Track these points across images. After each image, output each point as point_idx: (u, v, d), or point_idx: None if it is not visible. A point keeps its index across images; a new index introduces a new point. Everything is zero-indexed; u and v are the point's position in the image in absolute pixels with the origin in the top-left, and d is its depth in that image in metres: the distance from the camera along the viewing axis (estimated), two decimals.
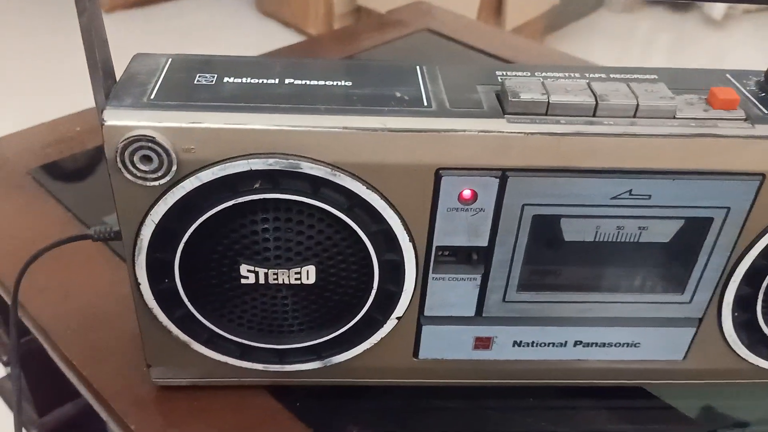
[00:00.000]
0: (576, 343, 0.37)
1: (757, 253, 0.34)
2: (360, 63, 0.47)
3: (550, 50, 1.20)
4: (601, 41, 1.91)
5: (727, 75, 0.35)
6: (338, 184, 0.30)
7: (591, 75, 0.34)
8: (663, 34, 2.02)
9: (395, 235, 0.32)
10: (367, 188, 0.31)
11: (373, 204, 0.31)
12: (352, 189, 0.31)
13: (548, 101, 0.30)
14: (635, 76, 0.34)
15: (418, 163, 0.30)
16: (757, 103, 0.33)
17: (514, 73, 0.33)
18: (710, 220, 0.33)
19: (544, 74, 0.34)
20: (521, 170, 0.31)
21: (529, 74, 0.34)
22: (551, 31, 1.87)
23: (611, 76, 0.34)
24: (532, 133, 0.30)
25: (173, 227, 0.31)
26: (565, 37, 1.89)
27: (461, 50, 0.79)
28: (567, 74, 0.34)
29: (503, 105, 0.31)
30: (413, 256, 0.33)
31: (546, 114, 0.31)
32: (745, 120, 0.31)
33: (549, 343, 0.37)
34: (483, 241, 0.33)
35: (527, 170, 0.31)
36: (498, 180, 0.31)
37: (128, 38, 1.10)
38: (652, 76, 0.34)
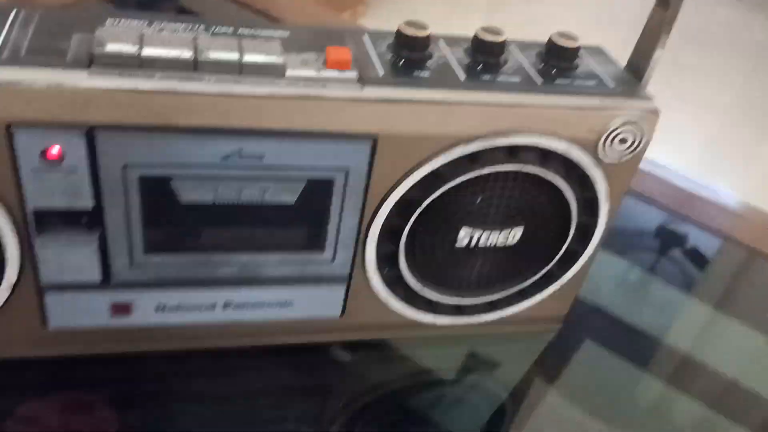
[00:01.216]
0: (226, 305, 0.36)
1: (387, 212, 0.34)
2: None
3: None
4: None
5: (365, 35, 0.35)
6: None
7: (213, 28, 0.32)
8: None
9: None
10: None
11: None
12: None
13: (140, 54, 0.28)
14: (264, 33, 0.33)
15: None
16: (378, 64, 0.33)
17: (118, 21, 0.30)
18: (331, 182, 0.33)
19: (160, 24, 0.31)
20: (110, 128, 0.28)
21: (146, 23, 0.31)
22: None
23: (239, 32, 0.32)
24: (116, 89, 0.28)
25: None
26: None
27: None
28: (188, 25, 0.32)
29: (92, 56, 0.28)
30: (7, 220, 0.30)
31: (140, 67, 0.29)
32: (357, 81, 0.31)
33: (196, 306, 0.36)
34: (88, 204, 0.30)
35: (117, 128, 0.28)
36: (84, 138, 0.28)
37: None
38: (284, 33, 0.33)
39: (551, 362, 0.44)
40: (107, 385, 0.37)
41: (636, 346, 0.47)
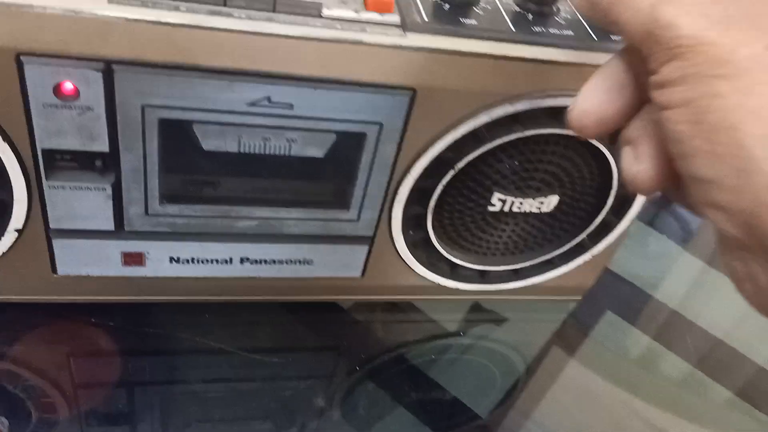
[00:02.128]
0: (243, 260, 0.34)
1: (419, 173, 0.32)
2: None
3: None
4: None
5: None
6: None
7: None
8: None
9: None
10: None
11: None
12: None
13: None
14: None
15: None
16: (421, 8, 0.30)
17: None
18: (363, 135, 0.30)
19: None
20: (129, 63, 0.26)
21: None
22: None
23: None
24: (136, 20, 0.25)
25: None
26: None
27: None
28: None
29: None
30: (15, 159, 0.28)
31: None
32: (399, 26, 0.28)
33: (212, 260, 0.34)
34: (103, 146, 0.28)
35: (137, 64, 0.26)
36: (101, 74, 0.26)
37: None
38: None
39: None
40: (115, 331, 0.36)
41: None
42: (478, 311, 0.43)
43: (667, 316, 0.47)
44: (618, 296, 0.47)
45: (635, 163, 0.21)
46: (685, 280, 0.51)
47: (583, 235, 0.38)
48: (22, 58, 0.25)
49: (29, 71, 0.25)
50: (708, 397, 0.42)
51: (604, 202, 0.36)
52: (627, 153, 0.22)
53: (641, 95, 0.21)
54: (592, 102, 0.22)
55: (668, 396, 0.41)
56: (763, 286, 0.19)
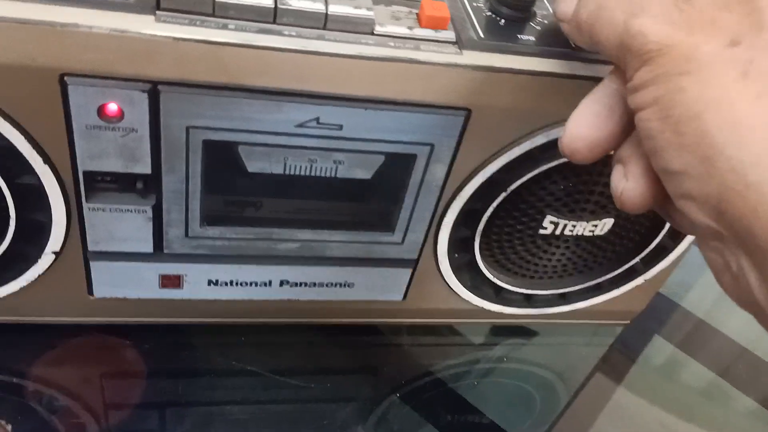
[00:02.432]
0: (282, 283, 0.33)
1: (469, 194, 0.31)
2: None
3: None
4: None
5: None
6: None
7: None
8: None
9: (21, 154, 0.25)
10: None
11: None
12: None
13: None
14: None
15: (33, 65, 0.23)
16: (476, 23, 0.29)
17: None
18: (413, 156, 0.29)
19: None
20: (176, 84, 0.25)
21: None
22: None
23: None
24: (184, 39, 0.24)
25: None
26: None
27: None
28: None
29: None
30: (55, 182, 0.27)
31: (213, 15, 0.25)
32: (454, 44, 0.27)
33: (251, 282, 0.33)
34: (145, 168, 0.27)
35: (183, 84, 0.25)
36: (147, 94, 0.25)
37: None
38: None
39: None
40: (152, 352, 0.35)
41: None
42: (520, 335, 0.41)
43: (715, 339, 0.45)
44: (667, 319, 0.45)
45: (623, 180, 0.22)
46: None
47: (636, 259, 0.36)
48: (66, 78, 0.24)
49: (73, 92, 0.24)
50: None
51: (661, 226, 0.35)
52: (617, 171, 0.23)
53: (630, 118, 0.22)
54: (582, 127, 0.23)
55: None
56: (737, 274, 0.19)
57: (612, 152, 0.23)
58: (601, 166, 0.31)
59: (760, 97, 0.18)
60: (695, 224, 0.20)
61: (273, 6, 0.25)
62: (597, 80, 0.28)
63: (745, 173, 0.18)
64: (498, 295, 0.37)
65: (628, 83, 0.21)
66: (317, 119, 0.27)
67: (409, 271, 0.34)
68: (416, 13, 0.27)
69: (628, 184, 0.22)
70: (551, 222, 0.33)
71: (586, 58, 0.28)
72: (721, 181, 0.18)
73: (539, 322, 0.40)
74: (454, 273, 0.35)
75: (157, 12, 0.24)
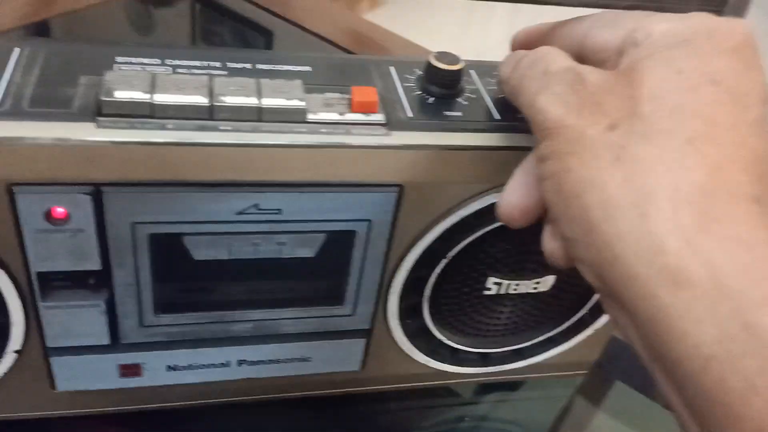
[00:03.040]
0: (240, 363, 0.34)
1: (412, 264, 0.32)
2: None
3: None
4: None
5: (391, 67, 0.32)
6: None
7: (230, 65, 0.30)
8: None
9: None
10: None
11: None
12: None
13: (152, 101, 0.26)
14: (285, 67, 0.30)
15: None
16: (406, 103, 0.31)
17: (130, 60, 0.28)
18: (353, 233, 0.30)
19: (173, 62, 0.29)
20: (118, 184, 0.26)
21: (158, 62, 0.29)
22: None
23: (256, 67, 0.30)
24: (125, 143, 0.26)
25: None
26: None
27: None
28: (204, 63, 0.29)
29: (99, 104, 0.26)
30: (11, 284, 0.28)
31: (153, 116, 0.27)
32: (384, 125, 0.29)
33: (209, 365, 0.34)
34: (95, 265, 0.28)
35: (125, 184, 0.26)
36: (90, 197, 0.26)
37: None
38: (306, 68, 0.31)
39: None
40: None
41: None
42: (483, 393, 0.42)
43: None
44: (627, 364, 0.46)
45: (551, 240, 0.25)
46: None
47: (583, 311, 0.38)
48: (13, 188, 0.25)
49: (21, 200, 0.25)
50: None
51: None
52: (546, 232, 0.25)
53: None
54: (514, 196, 0.26)
55: None
56: (624, 327, 0.22)
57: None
58: (536, 226, 0.33)
59: (626, 180, 0.20)
60: (591, 283, 0.22)
61: (209, 104, 0.27)
62: (521, 149, 0.30)
63: (613, 246, 0.20)
64: (454, 356, 0.38)
65: (535, 152, 0.23)
66: (256, 205, 0.28)
67: (363, 341, 0.35)
68: (348, 98, 0.29)
69: (556, 243, 0.24)
70: (494, 283, 0.34)
71: (508, 128, 0.30)
72: (597, 252, 0.21)
73: (498, 379, 0.41)
74: (408, 339, 0.36)
75: (98, 118, 0.26)
